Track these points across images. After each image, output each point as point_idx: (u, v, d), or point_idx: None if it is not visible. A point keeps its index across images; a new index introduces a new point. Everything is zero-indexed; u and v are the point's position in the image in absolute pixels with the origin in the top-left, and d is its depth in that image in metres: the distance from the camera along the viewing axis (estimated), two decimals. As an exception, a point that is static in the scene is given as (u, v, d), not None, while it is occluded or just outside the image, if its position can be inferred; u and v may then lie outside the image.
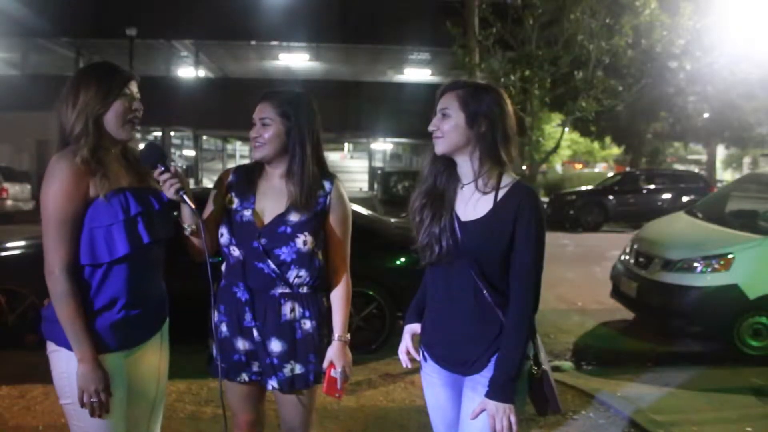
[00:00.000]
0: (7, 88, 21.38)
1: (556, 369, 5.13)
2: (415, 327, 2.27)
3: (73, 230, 2.01)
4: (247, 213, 2.28)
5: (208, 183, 31.04)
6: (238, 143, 41.73)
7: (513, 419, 1.93)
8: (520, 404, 2.00)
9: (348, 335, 2.37)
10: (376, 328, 5.62)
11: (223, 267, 2.34)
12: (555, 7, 10.80)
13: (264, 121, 2.26)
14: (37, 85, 21.71)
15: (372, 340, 5.58)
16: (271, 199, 2.30)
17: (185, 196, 2.12)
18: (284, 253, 2.24)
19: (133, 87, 2.14)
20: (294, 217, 2.26)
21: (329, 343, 2.34)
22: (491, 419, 1.93)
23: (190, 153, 32.95)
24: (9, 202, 16.67)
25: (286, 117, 2.26)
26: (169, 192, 2.12)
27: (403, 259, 5.72)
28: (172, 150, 31.10)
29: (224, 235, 2.28)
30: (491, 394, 1.94)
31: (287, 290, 2.27)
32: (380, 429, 3.90)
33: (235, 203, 2.31)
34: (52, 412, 3.97)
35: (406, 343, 2.29)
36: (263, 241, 2.24)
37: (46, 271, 2.00)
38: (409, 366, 2.30)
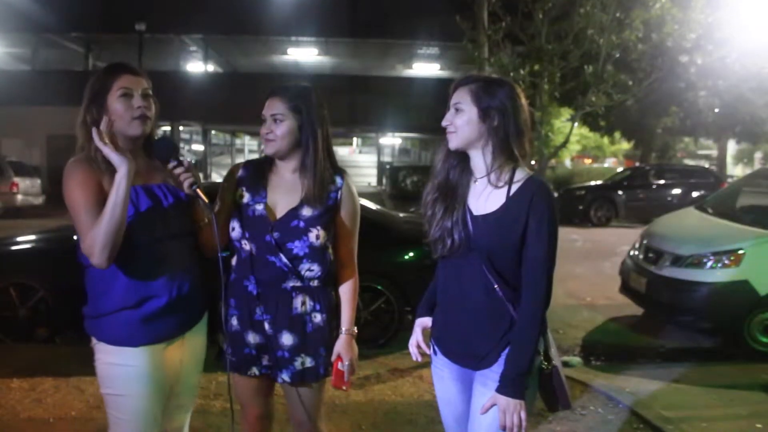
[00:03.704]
0: (18, 83, 21.50)
1: (565, 364, 5.12)
2: (425, 321, 2.27)
3: (97, 204, 2.02)
4: (259, 207, 2.29)
5: (217, 178, 31.17)
6: (247, 138, 41.87)
7: (523, 415, 1.93)
8: (530, 400, 1.99)
9: (355, 328, 2.39)
10: (385, 322, 5.63)
11: (233, 261, 2.34)
12: (565, 1, 10.74)
13: (276, 117, 2.26)
14: (47, 80, 21.87)
15: (380, 334, 5.59)
16: (283, 194, 2.31)
17: (198, 190, 2.14)
18: (297, 247, 2.25)
19: (131, 83, 2.12)
20: (307, 212, 2.27)
21: (338, 336, 2.36)
22: (501, 415, 1.93)
23: (199, 148, 33.08)
24: (19, 197, 16.77)
25: (297, 111, 2.27)
26: (183, 186, 2.14)
27: (411, 254, 5.72)
28: (182, 144, 31.21)
29: (236, 230, 2.29)
30: (502, 390, 1.94)
31: (299, 284, 2.28)
32: (389, 423, 3.91)
33: (246, 198, 2.32)
34: (62, 405, 4.01)
35: (416, 337, 2.30)
36: (276, 234, 2.25)
37: (86, 251, 2.01)
38: (420, 360, 2.30)
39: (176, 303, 2.17)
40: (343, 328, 2.36)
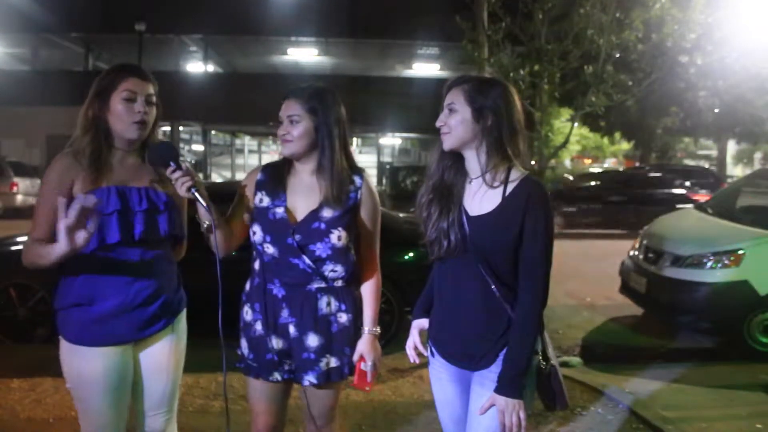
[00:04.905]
0: (18, 83, 21.52)
1: (564, 365, 5.13)
2: (422, 322, 2.27)
3: (51, 216, 2.08)
4: (280, 210, 2.29)
5: (217, 178, 31.14)
6: (247, 138, 41.80)
7: (522, 415, 1.93)
8: (528, 400, 2.00)
9: (378, 328, 2.39)
10: (385, 323, 5.62)
11: (256, 265, 2.34)
12: (565, 1, 10.74)
13: (292, 118, 2.26)
14: (47, 80, 21.88)
15: (380, 335, 5.58)
16: (303, 196, 2.31)
17: (197, 194, 2.14)
18: (319, 248, 2.25)
19: (136, 86, 2.16)
20: (327, 213, 2.27)
21: (361, 336, 2.36)
22: (501, 415, 1.93)
23: (199, 148, 33.05)
24: (19, 197, 16.77)
25: (313, 113, 2.26)
26: (181, 190, 2.14)
27: (411, 255, 5.72)
28: (181, 145, 31.19)
29: (257, 233, 2.29)
30: (500, 390, 1.94)
31: (323, 285, 2.28)
32: (389, 423, 3.91)
33: (266, 201, 2.31)
34: (62, 405, 4.01)
35: (413, 339, 2.31)
36: (297, 237, 2.24)
37: (23, 247, 2.15)
38: (417, 361, 2.31)
39: (132, 306, 2.18)
40: (366, 328, 2.37)
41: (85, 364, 2.17)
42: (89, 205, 1.91)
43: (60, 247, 1.94)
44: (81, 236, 1.93)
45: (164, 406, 2.35)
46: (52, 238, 2.09)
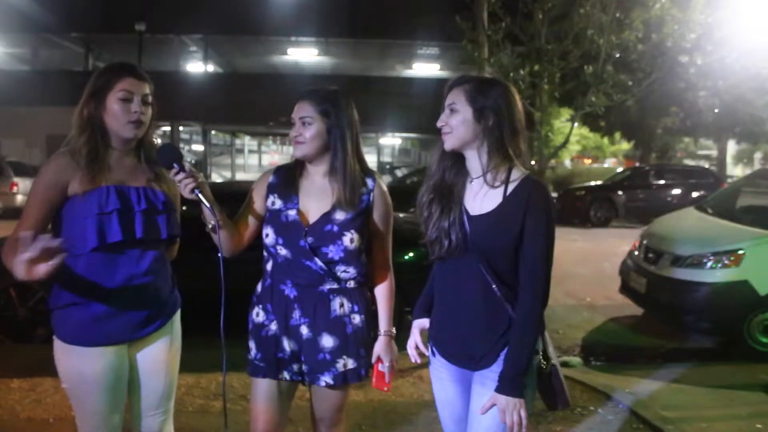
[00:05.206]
0: (18, 83, 21.52)
1: (564, 365, 5.13)
2: (423, 322, 2.27)
3: (42, 213, 2.11)
4: (292, 213, 2.29)
5: (217, 178, 31.14)
6: (247, 138, 41.84)
7: (523, 414, 1.93)
8: (529, 399, 2.00)
9: (393, 329, 2.40)
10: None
11: (269, 266, 2.34)
12: (565, 1, 10.73)
13: (304, 120, 2.27)
14: (47, 80, 21.89)
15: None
16: (315, 198, 2.31)
17: (201, 195, 2.15)
18: (332, 251, 2.25)
19: (133, 86, 2.17)
20: (340, 216, 2.27)
21: (376, 337, 2.36)
22: (502, 414, 1.93)
23: (199, 148, 33.05)
24: (19, 197, 16.75)
25: (326, 115, 2.27)
26: (185, 192, 2.15)
27: (411, 254, 5.72)
28: (181, 145, 31.15)
29: (270, 236, 2.29)
30: (501, 389, 1.94)
31: (335, 286, 2.28)
32: (389, 423, 3.91)
33: (279, 204, 2.32)
34: (62, 405, 4.00)
35: (414, 338, 2.31)
36: (310, 239, 2.25)
37: (6, 241, 2.10)
38: (418, 361, 2.31)
39: (129, 306, 2.18)
40: (382, 330, 2.37)
41: (82, 364, 2.17)
42: (52, 246, 1.87)
43: (17, 273, 1.90)
44: (41, 270, 1.87)
45: (161, 407, 2.36)
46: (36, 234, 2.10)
